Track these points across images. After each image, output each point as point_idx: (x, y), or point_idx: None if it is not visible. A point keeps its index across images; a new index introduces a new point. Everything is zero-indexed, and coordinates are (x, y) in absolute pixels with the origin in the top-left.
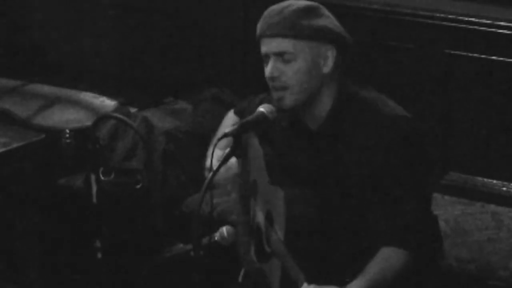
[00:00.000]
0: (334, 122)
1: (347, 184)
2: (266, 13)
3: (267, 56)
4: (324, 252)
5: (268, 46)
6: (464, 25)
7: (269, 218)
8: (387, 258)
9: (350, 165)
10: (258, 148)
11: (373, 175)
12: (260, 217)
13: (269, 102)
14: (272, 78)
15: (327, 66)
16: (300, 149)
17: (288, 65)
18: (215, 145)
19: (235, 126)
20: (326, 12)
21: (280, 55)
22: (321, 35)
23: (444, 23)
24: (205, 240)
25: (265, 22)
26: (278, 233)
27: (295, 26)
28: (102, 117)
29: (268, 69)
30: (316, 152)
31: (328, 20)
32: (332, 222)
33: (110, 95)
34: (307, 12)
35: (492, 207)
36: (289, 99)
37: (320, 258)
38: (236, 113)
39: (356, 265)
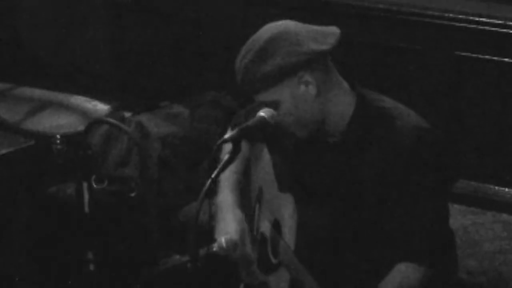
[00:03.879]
0: (354, 135)
1: (364, 196)
2: (235, 62)
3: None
4: (336, 262)
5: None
6: (475, 26)
7: (276, 227)
8: (404, 274)
9: (369, 177)
10: (266, 155)
11: (392, 188)
12: (265, 227)
13: None
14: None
15: (313, 89)
16: (316, 160)
17: (277, 109)
18: (215, 152)
19: (234, 131)
20: (282, 40)
21: (264, 104)
22: (285, 74)
23: (454, 23)
24: (203, 251)
25: (237, 77)
26: (288, 242)
27: (256, 81)
28: (94, 122)
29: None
30: (333, 163)
31: (285, 50)
32: (346, 232)
33: (103, 99)
34: (260, 57)
35: (504, 216)
36: (298, 133)
37: (332, 268)
38: (233, 128)
39: (368, 277)
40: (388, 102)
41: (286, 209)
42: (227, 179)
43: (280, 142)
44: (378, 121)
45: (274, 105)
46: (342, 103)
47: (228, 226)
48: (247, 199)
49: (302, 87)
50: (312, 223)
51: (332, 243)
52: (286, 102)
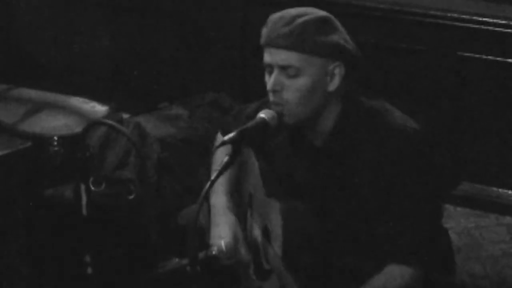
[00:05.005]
0: (340, 137)
1: (352, 199)
2: (273, 19)
3: (270, 67)
4: (324, 268)
5: (273, 57)
6: (478, 26)
7: (266, 233)
8: (390, 275)
9: (356, 180)
10: (253, 159)
11: (379, 190)
12: (257, 233)
13: (269, 108)
14: (274, 92)
15: (333, 84)
16: (301, 163)
17: (291, 80)
18: (213, 154)
19: (234, 133)
20: (338, 25)
21: (284, 68)
22: (331, 52)
23: (457, 23)
24: (202, 255)
25: (273, 30)
26: (276, 249)
27: (305, 40)
28: (92, 124)
29: (270, 82)
30: (319, 167)
31: (340, 35)
32: (333, 237)
33: (101, 100)
34: (319, 25)
35: (508, 219)
36: (290, 116)
37: (320, 275)
38: (223, 133)
39: (357, 282)
40: (375, 103)
41: (273, 215)
42: (221, 182)
43: (266, 145)
44: (364, 123)
45: (294, 71)
46: (334, 107)
47: (222, 231)
48: (239, 205)
49: (329, 76)
50: (299, 228)
51: (319, 247)
52: (306, 76)
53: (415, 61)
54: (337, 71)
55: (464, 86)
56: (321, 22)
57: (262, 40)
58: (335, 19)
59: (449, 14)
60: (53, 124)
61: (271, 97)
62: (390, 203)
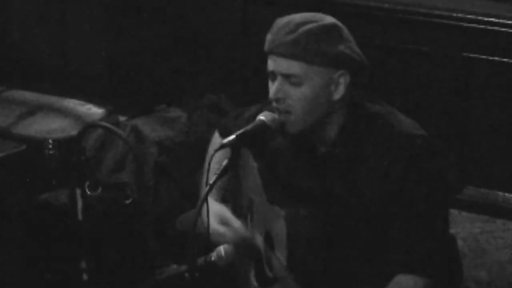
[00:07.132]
0: (344, 144)
1: (357, 206)
2: (278, 25)
3: (273, 74)
4: (330, 275)
5: (276, 65)
6: (483, 26)
7: (268, 240)
8: (402, 286)
9: (361, 186)
10: (251, 162)
11: (385, 197)
12: (258, 239)
13: (269, 110)
14: (276, 100)
15: (338, 93)
16: (305, 170)
17: (295, 88)
18: (211, 158)
19: (233, 136)
20: (343, 33)
21: (287, 77)
22: (335, 62)
23: (462, 23)
24: (200, 261)
25: (276, 38)
26: (279, 256)
27: (309, 50)
28: (88, 126)
29: (273, 90)
30: (324, 174)
31: (345, 44)
32: (339, 244)
33: (97, 102)
34: (323, 34)
35: None
36: (293, 125)
37: (325, 282)
38: (221, 134)
39: None
40: (379, 108)
41: (276, 222)
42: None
43: (267, 149)
44: (369, 129)
45: (298, 79)
46: (339, 113)
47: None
48: (239, 210)
49: (333, 85)
50: (304, 235)
51: (324, 254)
52: (310, 85)
53: (420, 62)
54: (342, 79)
55: (469, 87)
56: (326, 31)
57: (266, 46)
58: (341, 25)
59: (454, 14)
60: (48, 127)
61: (274, 105)
62: (398, 211)
